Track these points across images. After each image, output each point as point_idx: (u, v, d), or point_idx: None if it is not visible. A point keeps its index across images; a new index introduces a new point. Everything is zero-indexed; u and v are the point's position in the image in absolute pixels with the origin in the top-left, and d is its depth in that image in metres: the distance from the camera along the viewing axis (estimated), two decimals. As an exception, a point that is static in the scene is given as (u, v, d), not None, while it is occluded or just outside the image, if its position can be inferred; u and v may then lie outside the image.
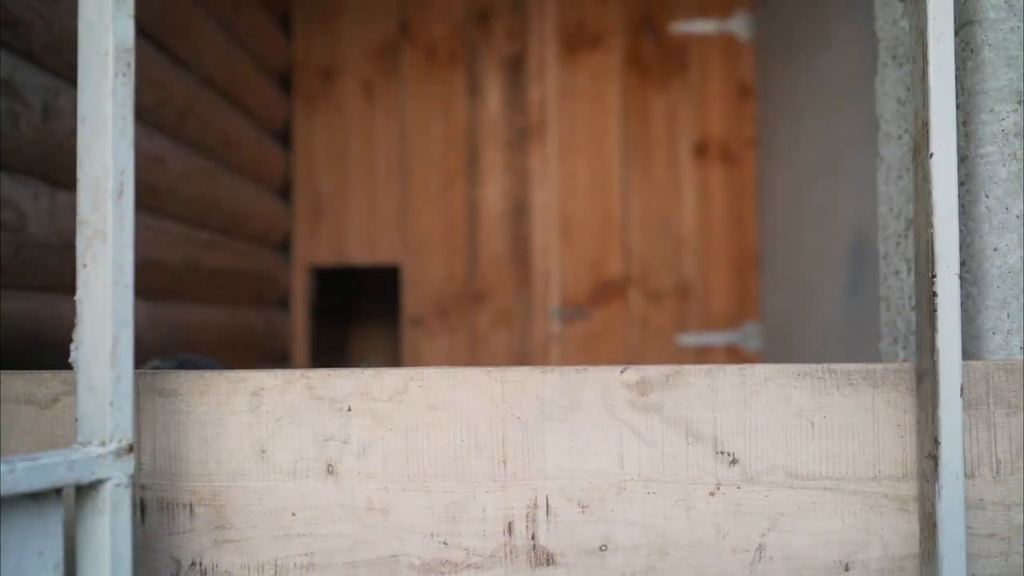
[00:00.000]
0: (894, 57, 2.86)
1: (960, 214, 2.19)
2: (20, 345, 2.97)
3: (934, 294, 2.08)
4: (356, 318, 6.87)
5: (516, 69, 6.08)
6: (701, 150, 6.01)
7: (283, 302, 6.05)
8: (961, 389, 2.06)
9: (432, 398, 2.17)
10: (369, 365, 2.39)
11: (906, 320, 2.76)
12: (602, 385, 2.16)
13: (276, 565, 2.14)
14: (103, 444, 1.77)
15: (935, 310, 2.08)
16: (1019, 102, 2.30)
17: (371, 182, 6.08)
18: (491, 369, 2.18)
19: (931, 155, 2.10)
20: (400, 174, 6.07)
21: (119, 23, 1.78)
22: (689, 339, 5.96)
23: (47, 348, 3.05)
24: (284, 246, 6.05)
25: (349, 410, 2.16)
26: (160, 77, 4.07)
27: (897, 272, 2.83)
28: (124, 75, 1.79)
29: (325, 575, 2.15)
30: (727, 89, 6.02)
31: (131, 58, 1.81)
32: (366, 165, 6.08)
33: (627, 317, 5.99)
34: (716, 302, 5.96)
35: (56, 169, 3.09)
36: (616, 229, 6.00)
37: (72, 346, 1.81)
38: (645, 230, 6.00)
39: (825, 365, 2.18)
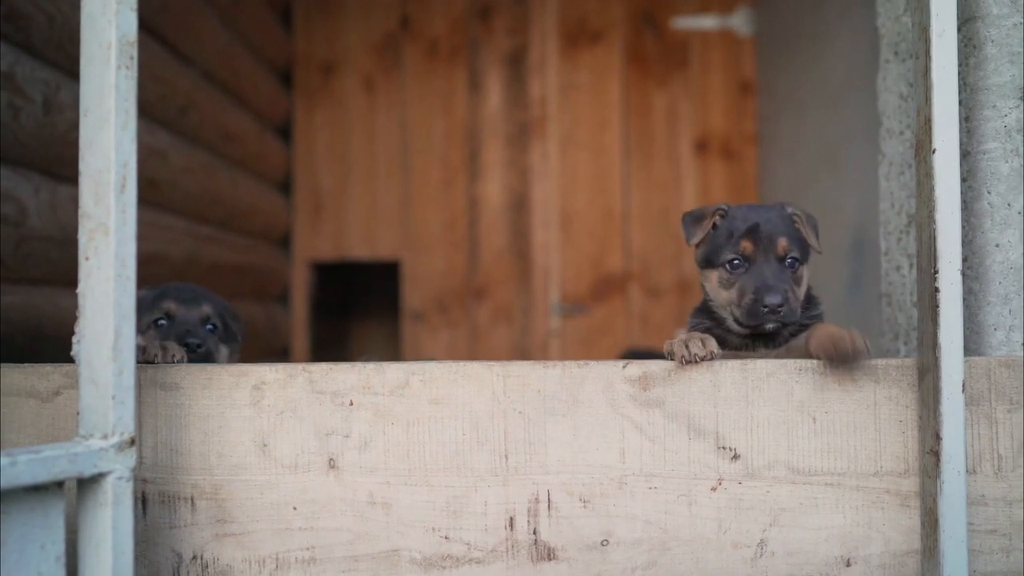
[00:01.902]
0: (896, 53, 2.86)
1: (962, 210, 2.19)
2: (21, 338, 2.97)
3: (936, 290, 2.08)
4: (356, 313, 6.88)
5: (517, 64, 6.08)
6: (702, 146, 6.00)
7: (283, 297, 6.05)
8: (963, 385, 2.06)
9: (434, 392, 2.17)
10: (370, 359, 2.39)
11: (907, 316, 2.76)
12: (604, 380, 2.16)
13: (277, 559, 2.15)
14: (105, 437, 1.77)
15: (937, 306, 2.08)
16: (1021, 98, 2.30)
17: (372, 177, 6.08)
18: (493, 363, 2.18)
19: (933, 151, 2.10)
20: (401, 169, 6.07)
21: (122, 16, 1.78)
22: (689, 335, 5.95)
23: (48, 341, 3.05)
24: (284, 241, 6.05)
25: (351, 404, 2.16)
26: (161, 71, 4.07)
27: (899, 268, 2.83)
28: (127, 68, 1.79)
29: (326, 569, 2.15)
30: (728, 85, 6.02)
31: (134, 51, 1.81)
32: (367, 160, 6.07)
33: (627, 313, 5.99)
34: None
35: (57, 162, 3.09)
36: (616, 225, 6.00)
37: (74, 339, 1.81)
38: (645, 226, 6.00)
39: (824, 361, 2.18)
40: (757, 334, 2.38)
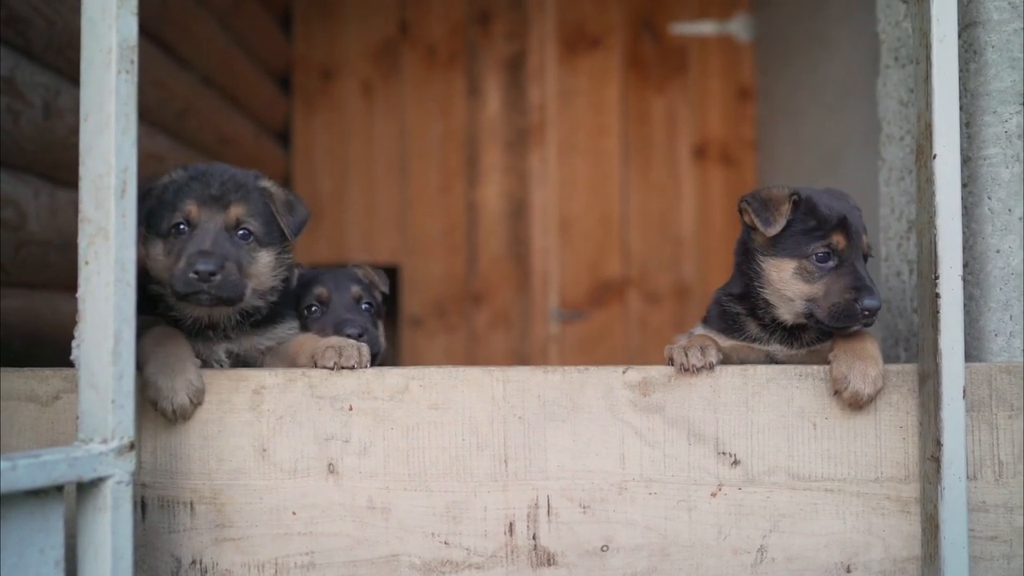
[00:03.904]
0: (896, 58, 2.86)
1: (963, 216, 2.19)
2: (21, 343, 2.96)
3: (937, 296, 2.08)
4: (354, 318, 6.86)
5: (516, 70, 6.07)
6: (700, 151, 6.00)
7: (282, 302, 6.03)
8: (964, 391, 2.06)
9: (433, 397, 2.16)
10: None
11: (908, 322, 2.76)
12: (604, 385, 2.16)
13: (276, 564, 2.14)
14: (104, 442, 1.77)
15: (937, 312, 2.07)
16: (1022, 104, 2.30)
17: (370, 182, 6.07)
18: (493, 368, 2.18)
19: (934, 157, 2.10)
20: (399, 174, 6.06)
21: (122, 21, 1.78)
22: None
23: (48, 346, 3.05)
24: (283, 246, 6.04)
25: (350, 409, 2.15)
26: (160, 76, 4.06)
27: (899, 273, 2.83)
28: (127, 73, 1.79)
29: (325, 574, 2.14)
30: (727, 90, 6.02)
31: (134, 56, 1.80)
32: (365, 165, 6.07)
33: (626, 318, 5.99)
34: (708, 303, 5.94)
35: (57, 167, 3.09)
36: (615, 230, 5.99)
37: (73, 343, 1.81)
38: (644, 231, 5.99)
39: (827, 367, 2.17)
40: (778, 328, 2.30)
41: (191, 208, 2.22)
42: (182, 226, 2.22)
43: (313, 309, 2.53)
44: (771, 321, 2.31)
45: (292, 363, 2.28)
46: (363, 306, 2.60)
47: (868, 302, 2.14)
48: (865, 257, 2.26)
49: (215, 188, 2.25)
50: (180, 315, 2.27)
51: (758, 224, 2.25)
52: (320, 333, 2.39)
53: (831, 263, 2.21)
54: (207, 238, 2.19)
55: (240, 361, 2.34)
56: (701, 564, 2.14)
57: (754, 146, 5.94)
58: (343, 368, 2.15)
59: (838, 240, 2.21)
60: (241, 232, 2.26)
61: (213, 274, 2.12)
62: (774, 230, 2.24)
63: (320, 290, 2.55)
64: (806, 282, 2.22)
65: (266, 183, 2.38)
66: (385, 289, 2.70)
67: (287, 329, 2.40)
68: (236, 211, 2.25)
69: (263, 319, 2.35)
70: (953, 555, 2.04)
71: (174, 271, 2.15)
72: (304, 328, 2.47)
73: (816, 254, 2.22)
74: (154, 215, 2.26)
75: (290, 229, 2.35)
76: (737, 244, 2.42)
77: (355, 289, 2.60)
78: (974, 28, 2.33)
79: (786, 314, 2.28)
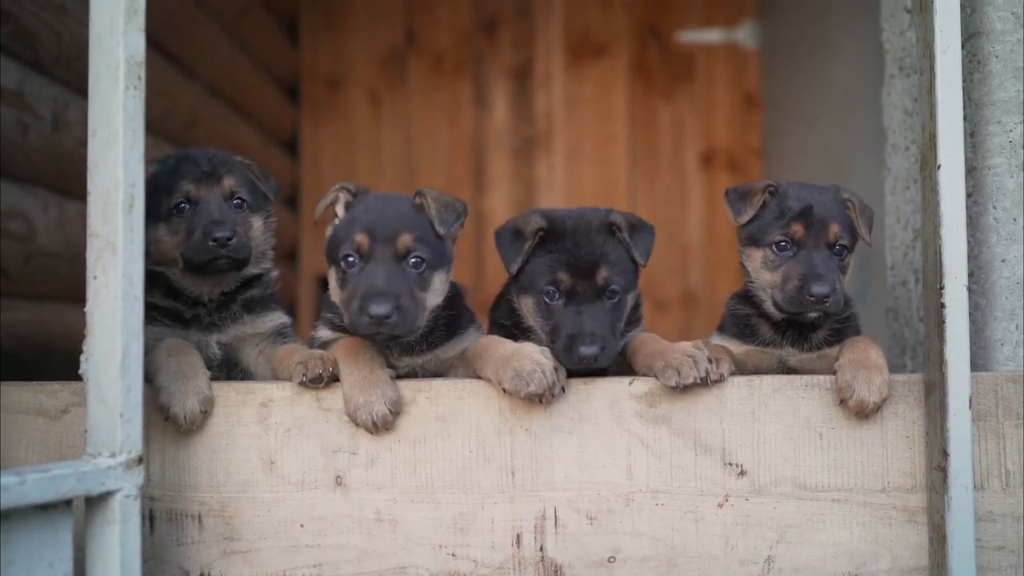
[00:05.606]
0: (901, 68, 2.86)
1: (968, 225, 2.18)
2: (29, 353, 2.97)
3: (942, 306, 2.08)
4: (362, 326, 6.87)
5: (522, 78, 6.08)
6: (707, 159, 6.00)
7: (290, 311, 6.04)
8: (970, 401, 2.06)
9: (440, 409, 2.17)
10: None
11: (914, 331, 2.76)
12: (610, 396, 2.17)
13: (284, 576, 2.15)
14: (113, 455, 1.78)
15: (943, 322, 2.07)
16: (1027, 113, 2.30)
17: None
18: (499, 380, 2.18)
19: (939, 167, 2.10)
20: (407, 183, 6.07)
21: (130, 37, 1.79)
22: (695, 348, 5.93)
23: (56, 356, 3.06)
24: (291, 255, 6.06)
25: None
26: (166, 86, 4.08)
27: (904, 283, 2.83)
28: (135, 88, 1.80)
29: (333, 586, 2.15)
30: (733, 98, 6.02)
31: (142, 72, 1.81)
32: (373, 174, 6.08)
33: (633, 326, 5.98)
34: (722, 311, 5.93)
35: (65, 179, 3.10)
36: (622, 238, 5.99)
37: (82, 357, 1.82)
38: (651, 239, 5.99)
39: (833, 376, 2.17)
40: (790, 329, 2.33)
41: (189, 187, 2.38)
42: (183, 205, 2.39)
43: (351, 260, 2.21)
44: (782, 320, 2.34)
45: (275, 374, 2.34)
46: (411, 262, 2.24)
47: (816, 288, 2.19)
48: (840, 247, 2.29)
49: (206, 166, 2.43)
50: (182, 287, 2.39)
51: (730, 214, 2.37)
52: (349, 299, 2.15)
53: (789, 252, 2.28)
54: (213, 209, 2.37)
55: (231, 352, 2.43)
56: (708, 575, 2.14)
57: (761, 153, 5.94)
58: (311, 381, 2.14)
59: (796, 229, 2.27)
60: (236, 201, 2.44)
61: (230, 239, 2.31)
62: (742, 219, 2.35)
63: (360, 238, 2.22)
64: (769, 270, 2.31)
65: (240, 157, 2.53)
66: (442, 230, 2.41)
67: (272, 319, 2.50)
68: (228, 182, 2.43)
69: (253, 302, 2.47)
70: (960, 565, 2.03)
71: (189, 243, 2.32)
72: (343, 282, 2.22)
73: (775, 243, 2.30)
74: (150, 202, 2.27)
75: (272, 192, 2.53)
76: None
77: (403, 240, 2.25)
78: (978, 38, 2.33)
79: (768, 306, 2.34)
